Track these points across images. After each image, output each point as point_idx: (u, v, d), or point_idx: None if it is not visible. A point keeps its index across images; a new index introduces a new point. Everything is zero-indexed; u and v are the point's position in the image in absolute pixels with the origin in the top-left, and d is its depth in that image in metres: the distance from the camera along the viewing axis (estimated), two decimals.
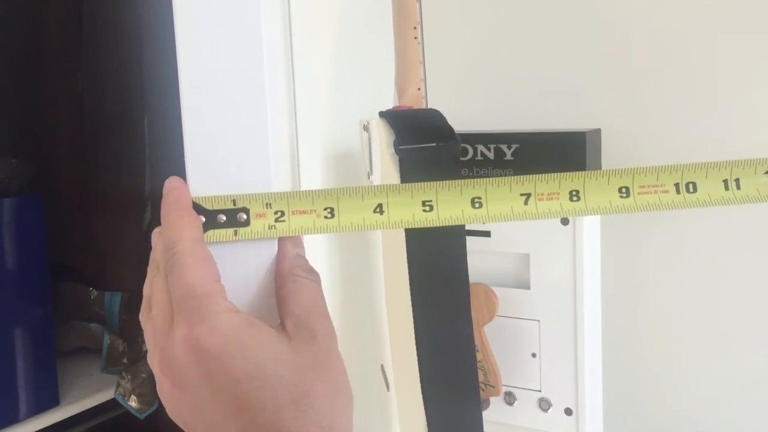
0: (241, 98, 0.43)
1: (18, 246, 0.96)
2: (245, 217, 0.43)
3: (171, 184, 0.44)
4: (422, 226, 0.42)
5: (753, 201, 0.42)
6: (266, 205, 0.43)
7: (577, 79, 0.86)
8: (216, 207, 0.43)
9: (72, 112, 1.06)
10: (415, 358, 0.62)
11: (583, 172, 0.42)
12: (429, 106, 0.68)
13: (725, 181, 0.42)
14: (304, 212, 0.43)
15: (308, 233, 0.43)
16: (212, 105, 0.43)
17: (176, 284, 0.40)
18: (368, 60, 0.81)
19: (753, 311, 0.79)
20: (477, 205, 0.42)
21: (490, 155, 0.82)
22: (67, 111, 1.07)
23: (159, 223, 0.43)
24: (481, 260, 0.80)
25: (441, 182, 0.43)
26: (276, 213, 0.43)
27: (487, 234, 0.81)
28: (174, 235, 0.41)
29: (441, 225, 0.42)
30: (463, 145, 0.82)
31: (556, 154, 0.80)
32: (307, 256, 0.46)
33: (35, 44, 1.07)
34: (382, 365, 0.67)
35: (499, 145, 0.82)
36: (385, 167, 0.62)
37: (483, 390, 0.81)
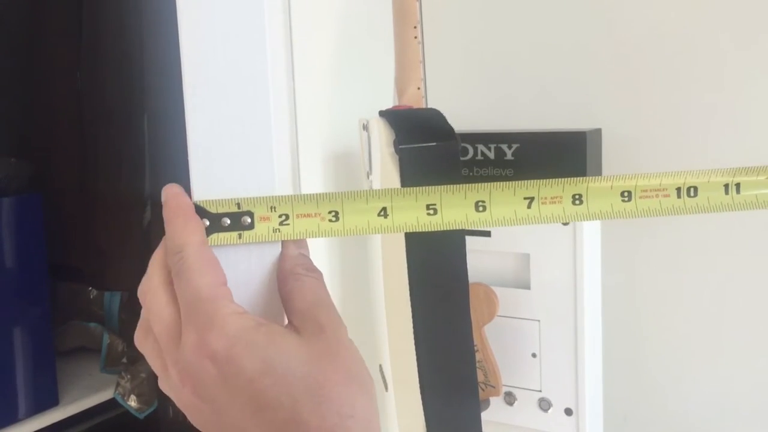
0: (245, 100, 0.43)
1: (17, 245, 0.96)
2: (249, 220, 0.43)
3: (170, 190, 0.43)
4: (426, 230, 0.42)
5: (751, 208, 0.42)
6: (270, 208, 0.43)
7: (578, 79, 0.86)
8: (220, 210, 0.43)
9: (72, 112, 1.06)
10: (414, 358, 0.62)
11: (587, 177, 0.43)
12: (429, 106, 0.68)
13: (726, 186, 0.42)
14: (308, 215, 0.43)
15: (313, 237, 0.43)
16: (215, 107, 0.43)
17: (184, 289, 0.40)
18: (368, 60, 0.81)
19: (753, 311, 0.80)
20: (481, 208, 0.42)
21: (491, 155, 0.82)
22: (67, 111, 1.07)
23: (159, 223, 0.43)
24: (481, 260, 0.80)
25: (445, 186, 0.43)
26: (280, 216, 0.43)
27: (487, 234, 0.81)
28: (180, 240, 0.41)
29: (445, 229, 0.42)
30: (463, 144, 0.82)
31: (556, 154, 0.80)
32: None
33: (35, 44, 1.07)
34: (380, 365, 0.67)
35: (499, 145, 0.82)
36: (384, 166, 0.62)
37: (483, 390, 0.81)
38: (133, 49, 1.01)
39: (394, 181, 0.61)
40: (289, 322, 0.42)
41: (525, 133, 0.82)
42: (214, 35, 0.43)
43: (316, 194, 0.43)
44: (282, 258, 0.43)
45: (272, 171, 0.43)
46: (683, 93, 0.80)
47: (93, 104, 1.05)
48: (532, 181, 0.43)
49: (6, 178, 0.97)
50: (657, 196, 0.42)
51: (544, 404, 0.81)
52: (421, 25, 0.66)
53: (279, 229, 0.43)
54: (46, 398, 1.01)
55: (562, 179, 0.43)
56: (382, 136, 0.62)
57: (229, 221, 0.43)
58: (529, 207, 0.42)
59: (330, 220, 0.43)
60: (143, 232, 1.06)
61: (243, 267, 0.43)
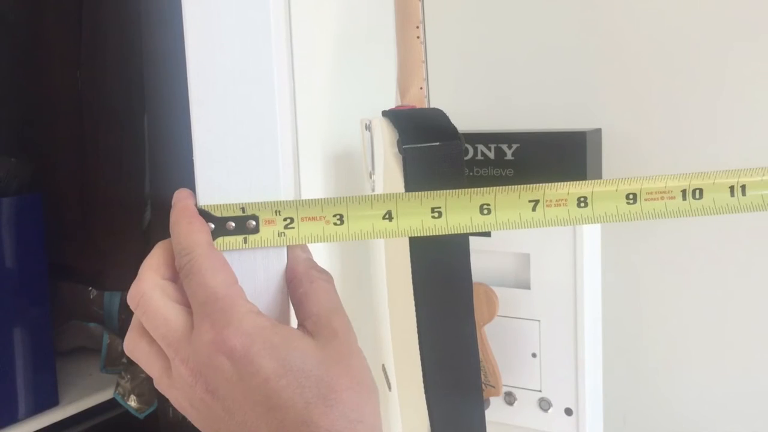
0: (250, 104, 0.43)
1: (17, 245, 0.96)
2: (254, 223, 0.43)
3: (178, 194, 0.44)
4: (431, 234, 0.43)
5: (758, 209, 0.42)
6: (275, 212, 0.43)
7: (578, 79, 0.86)
8: (225, 214, 0.43)
9: (72, 112, 1.06)
10: (419, 358, 0.62)
11: (592, 180, 0.43)
12: (431, 106, 0.68)
13: (731, 188, 0.42)
14: (313, 219, 0.43)
15: (318, 240, 0.43)
16: (221, 112, 0.43)
17: (196, 288, 0.41)
18: (367, 60, 0.81)
19: (753, 311, 0.80)
20: (486, 211, 0.43)
21: (491, 155, 0.82)
22: (67, 111, 1.06)
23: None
24: (481, 260, 0.80)
25: (450, 190, 0.43)
26: (285, 220, 0.43)
27: (487, 234, 0.81)
28: (188, 241, 0.42)
29: (450, 232, 0.43)
30: None
31: (556, 154, 0.80)
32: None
33: (35, 44, 1.07)
34: (383, 365, 0.67)
35: (499, 145, 0.82)
36: (388, 166, 0.62)
37: (483, 390, 0.81)
38: (133, 49, 1.01)
39: (398, 181, 0.61)
40: (302, 325, 0.42)
41: (525, 133, 0.82)
42: (219, 40, 0.43)
43: (321, 198, 0.43)
44: (293, 261, 0.44)
45: (277, 175, 0.43)
46: (683, 93, 0.80)
47: (93, 104, 1.05)
48: (536, 184, 0.43)
49: (6, 178, 0.97)
50: (662, 198, 0.42)
51: (544, 404, 0.81)
52: (424, 24, 0.66)
53: (284, 233, 0.43)
54: (46, 398, 1.01)
55: (567, 182, 0.43)
56: (385, 136, 0.62)
57: (234, 225, 0.43)
58: (534, 210, 0.42)
59: (335, 224, 0.43)
60: (143, 232, 1.06)
61: (247, 271, 0.43)
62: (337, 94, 0.77)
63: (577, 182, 0.43)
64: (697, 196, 0.43)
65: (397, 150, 0.61)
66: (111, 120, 1.04)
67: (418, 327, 0.61)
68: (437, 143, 0.60)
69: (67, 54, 1.06)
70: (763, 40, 0.77)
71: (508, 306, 0.80)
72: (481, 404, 0.65)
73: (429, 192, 0.43)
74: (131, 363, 1.12)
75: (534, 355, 0.81)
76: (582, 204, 0.43)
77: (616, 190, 0.43)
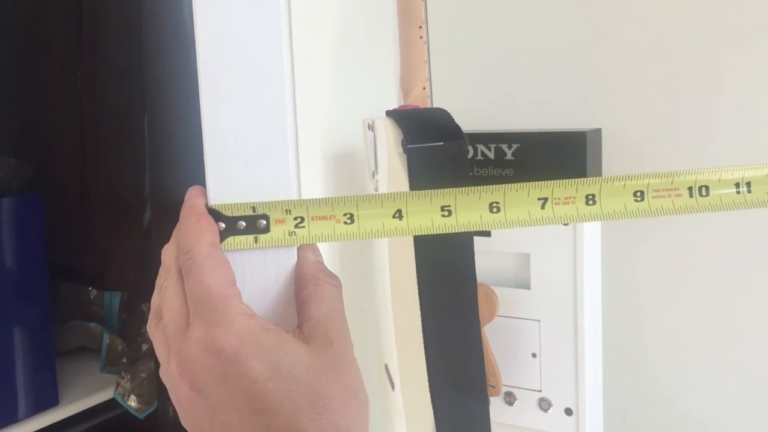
0: (261, 102, 0.43)
1: (17, 245, 0.96)
2: (265, 223, 0.43)
3: (190, 192, 0.44)
4: (441, 232, 0.43)
5: (764, 206, 0.42)
6: (286, 211, 0.43)
7: (578, 79, 0.86)
8: (236, 214, 0.43)
9: (72, 111, 1.06)
10: (423, 358, 0.62)
11: (600, 177, 0.43)
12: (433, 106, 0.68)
13: (737, 185, 0.43)
14: (323, 218, 0.43)
15: (328, 240, 0.43)
16: (231, 112, 0.43)
17: (193, 287, 0.41)
18: (367, 60, 0.81)
19: (753, 311, 0.80)
20: (495, 209, 0.43)
21: (491, 155, 0.82)
22: (67, 111, 1.06)
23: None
24: (481, 260, 0.80)
25: (459, 188, 0.43)
26: (296, 219, 0.43)
27: (487, 234, 0.81)
28: (191, 239, 0.42)
29: (460, 230, 0.43)
30: None
31: (556, 153, 0.80)
32: None
33: (35, 44, 1.07)
34: (385, 365, 0.67)
35: (499, 145, 0.82)
36: (392, 166, 0.62)
37: None
38: (134, 49, 1.01)
39: (402, 180, 0.61)
40: (299, 326, 0.42)
41: (525, 133, 0.82)
42: (230, 38, 0.43)
43: (331, 197, 0.43)
44: (302, 262, 0.44)
45: (288, 174, 0.43)
46: (683, 93, 0.81)
47: (93, 104, 1.05)
48: (545, 181, 0.43)
49: (6, 178, 0.97)
50: (669, 195, 0.43)
51: (544, 404, 0.81)
52: (427, 24, 0.66)
53: (295, 232, 0.43)
54: (46, 398, 1.01)
55: (576, 179, 0.43)
56: (389, 136, 0.62)
57: (244, 224, 0.43)
58: (542, 208, 0.43)
59: (345, 223, 0.43)
60: (143, 232, 1.06)
61: (257, 269, 0.43)
62: (336, 94, 0.78)
63: (585, 179, 0.43)
64: (704, 192, 0.43)
65: (401, 150, 0.61)
66: (111, 120, 1.04)
67: (423, 327, 0.62)
68: (441, 143, 0.60)
69: (68, 54, 1.06)
70: (763, 40, 0.77)
71: (508, 306, 0.80)
72: (485, 403, 0.65)
73: (438, 190, 0.43)
74: (131, 363, 1.12)
75: (534, 355, 0.81)
76: (590, 201, 0.43)
77: (624, 186, 0.43)
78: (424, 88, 0.67)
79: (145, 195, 1.05)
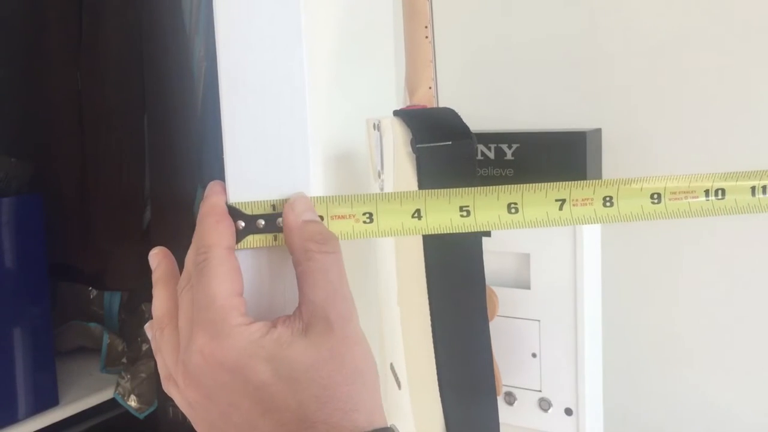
0: (281, 101, 0.43)
1: (17, 245, 0.96)
2: None
3: (211, 188, 0.44)
4: (460, 231, 0.43)
5: None
6: None
7: (578, 79, 0.86)
8: (255, 212, 0.43)
9: (72, 111, 1.06)
10: (432, 357, 0.62)
11: (618, 178, 0.43)
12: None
13: (753, 188, 0.43)
14: (343, 217, 0.43)
15: (348, 238, 0.43)
16: (251, 110, 0.43)
17: (201, 292, 0.41)
18: (368, 60, 0.81)
19: (753, 311, 0.80)
20: (513, 210, 0.43)
21: (491, 155, 0.82)
22: (67, 111, 1.06)
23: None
24: None
25: (478, 188, 0.43)
26: None
27: (487, 234, 0.81)
28: (209, 239, 0.42)
29: (478, 230, 0.43)
30: None
31: (556, 153, 0.80)
32: None
33: (35, 44, 1.07)
34: (391, 364, 0.67)
35: (499, 145, 0.82)
36: (400, 166, 0.62)
37: None
38: (134, 49, 1.01)
39: (410, 179, 0.61)
40: (299, 308, 0.41)
41: (525, 133, 0.82)
42: (250, 39, 0.43)
43: (351, 195, 0.43)
44: (287, 231, 0.42)
45: (307, 173, 0.43)
46: (683, 93, 0.80)
47: (93, 104, 1.05)
48: (563, 182, 0.43)
49: (6, 178, 0.97)
50: (686, 198, 0.43)
51: (544, 404, 0.81)
52: (432, 24, 0.66)
53: None
54: (46, 398, 1.01)
55: (593, 181, 0.43)
56: (396, 136, 0.62)
57: (264, 223, 0.43)
58: (560, 209, 0.43)
59: (365, 222, 0.43)
60: (143, 232, 1.06)
61: (278, 269, 0.43)
62: (337, 95, 0.77)
63: (603, 180, 0.43)
64: (720, 195, 0.43)
65: (410, 149, 0.61)
66: (111, 120, 1.04)
67: (432, 326, 0.61)
68: (449, 142, 0.60)
69: (67, 54, 1.06)
70: (763, 40, 0.77)
71: (508, 306, 0.80)
72: (494, 403, 0.65)
73: (457, 189, 0.43)
74: (131, 363, 1.12)
75: (534, 355, 0.81)
76: (608, 203, 0.43)
77: (641, 189, 0.43)
78: (430, 88, 0.66)
79: (145, 195, 1.05)
